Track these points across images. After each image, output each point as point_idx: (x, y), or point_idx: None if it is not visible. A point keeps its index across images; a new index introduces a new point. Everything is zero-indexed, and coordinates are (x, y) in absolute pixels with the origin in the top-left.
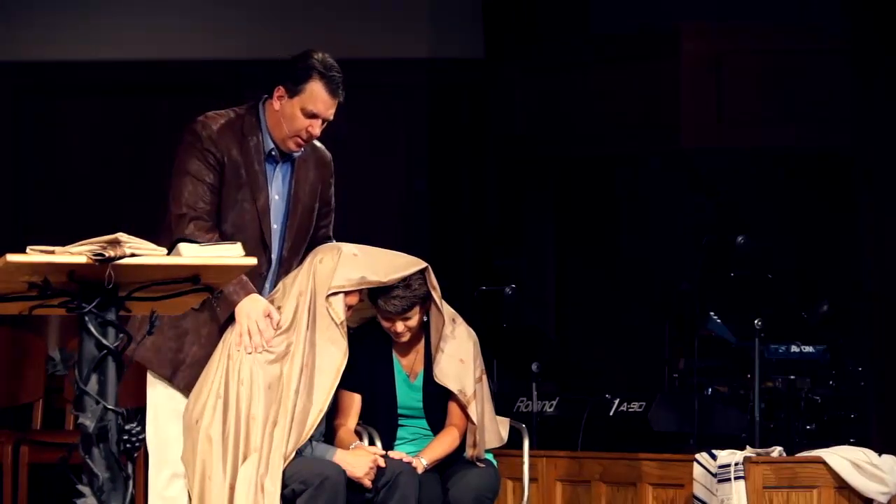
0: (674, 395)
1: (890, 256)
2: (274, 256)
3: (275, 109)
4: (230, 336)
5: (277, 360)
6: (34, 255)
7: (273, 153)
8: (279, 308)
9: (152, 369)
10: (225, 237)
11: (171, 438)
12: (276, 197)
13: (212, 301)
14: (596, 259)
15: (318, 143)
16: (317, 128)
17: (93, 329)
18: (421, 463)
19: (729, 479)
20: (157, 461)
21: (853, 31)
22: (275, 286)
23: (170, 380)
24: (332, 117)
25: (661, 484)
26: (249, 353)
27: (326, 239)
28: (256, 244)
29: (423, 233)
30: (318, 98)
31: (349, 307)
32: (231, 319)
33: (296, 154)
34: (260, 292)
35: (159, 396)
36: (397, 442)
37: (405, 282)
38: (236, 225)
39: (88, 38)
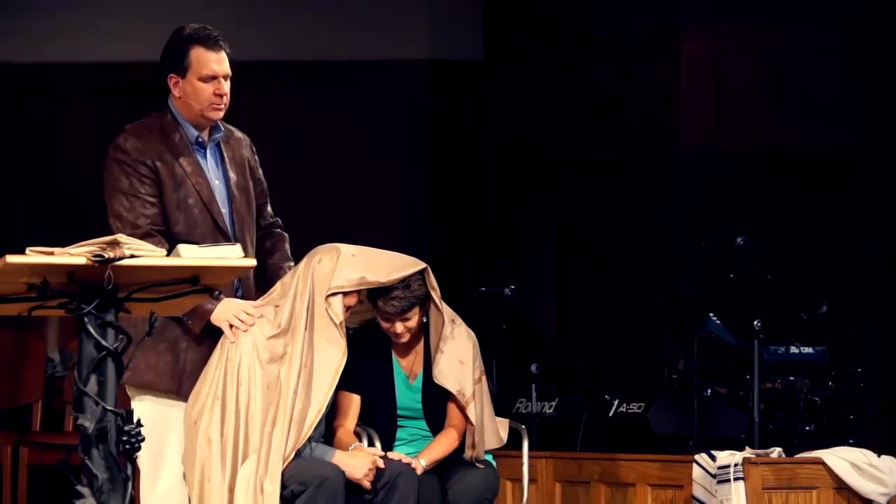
0: (673, 396)
1: (890, 256)
2: (232, 240)
3: (178, 97)
4: (226, 338)
5: (275, 360)
6: (33, 256)
7: (200, 139)
8: (277, 307)
9: (158, 390)
10: (179, 238)
11: (163, 450)
12: (217, 182)
13: (182, 317)
14: (595, 260)
15: (231, 126)
16: (223, 86)
17: (92, 330)
18: (420, 464)
19: (728, 480)
20: (150, 474)
21: (853, 31)
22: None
23: (176, 393)
24: (229, 70)
25: (660, 485)
26: (245, 331)
27: (272, 218)
28: (213, 233)
29: (423, 233)
30: (206, 60)
31: (347, 308)
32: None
33: (217, 136)
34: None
35: (147, 409)
36: (396, 443)
37: (404, 282)
38: (188, 223)
39: (88, 39)
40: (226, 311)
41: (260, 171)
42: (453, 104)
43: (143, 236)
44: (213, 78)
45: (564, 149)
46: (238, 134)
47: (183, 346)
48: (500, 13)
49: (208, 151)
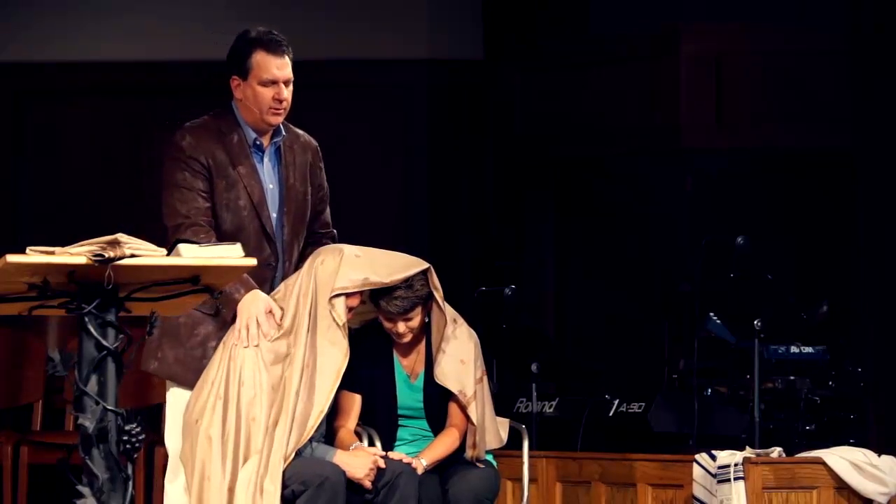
0: (673, 396)
1: (890, 256)
2: (277, 245)
3: (239, 100)
4: (230, 337)
5: (278, 361)
6: (34, 255)
7: (258, 142)
8: (281, 308)
9: (180, 383)
10: (226, 237)
11: None
12: (271, 186)
13: (217, 303)
14: (596, 259)
15: (299, 130)
16: (283, 91)
17: (92, 330)
18: (421, 464)
19: (728, 480)
20: (174, 465)
21: (853, 31)
22: (283, 277)
23: None
24: (290, 75)
25: (660, 484)
26: (245, 347)
27: (327, 227)
28: (259, 237)
29: (423, 233)
30: (268, 64)
31: (350, 308)
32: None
33: (278, 140)
34: (271, 284)
35: (180, 403)
36: (397, 443)
37: (407, 282)
38: (235, 224)
39: (88, 38)
40: (248, 307)
41: (322, 176)
42: (453, 104)
43: (191, 226)
44: (274, 83)
45: (564, 148)
46: (305, 138)
47: (212, 344)
48: (500, 13)
49: (266, 155)
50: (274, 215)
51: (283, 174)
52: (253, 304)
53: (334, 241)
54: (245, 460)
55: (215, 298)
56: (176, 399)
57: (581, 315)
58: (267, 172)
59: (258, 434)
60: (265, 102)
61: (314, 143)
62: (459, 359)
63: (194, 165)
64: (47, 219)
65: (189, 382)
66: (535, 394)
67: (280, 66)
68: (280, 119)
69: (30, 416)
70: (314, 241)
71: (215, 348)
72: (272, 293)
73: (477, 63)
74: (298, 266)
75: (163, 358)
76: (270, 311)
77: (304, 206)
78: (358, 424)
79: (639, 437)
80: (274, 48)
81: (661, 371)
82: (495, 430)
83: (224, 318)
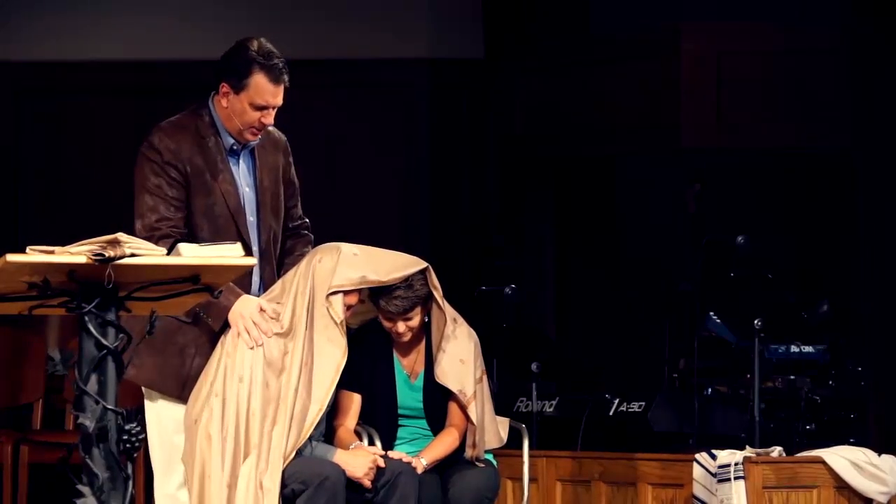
0: (674, 395)
1: (890, 256)
2: (255, 249)
3: (223, 106)
4: (227, 338)
5: (277, 359)
6: (34, 255)
7: (234, 147)
8: (278, 303)
9: (159, 391)
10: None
11: (179, 447)
12: (247, 189)
13: (201, 314)
14: (596, 259)
15: (269, 127)
16: (269, 117)
17: (92, 329)
18: (421, 463)
19: (729, 479)
20: (164, 470)
21: (853, 31)
22: (261, 280)
23: (178, 396)
24: (281, 103)
25: (660, 484)
26: (252, 349)
27: (300, 219)
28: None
29: (423, 233)
30: (264, 90)
31: (348, 307)
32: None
33: (252, 143)
34: (248, 289)
35: (161, 409)
36: (397, 442)
37: (407, 282)
38: (213, 231)
39: (88, 37)
40: (240, 311)
41: (293, 171)
42: (453, 103)
43: (162, 238)
44: (265, 108)
45: (564, 148)
46: (275, 135)
47: (191, 352)
48: (501, 13)
49: (241, 158)
50: (251, 219)
51: (258, 177)
52: (244, 308)
53: (310, 231)
54: (245, 457)
55: (215, 297)
56: (154, 406)
57: (581, 314)
58: (242, 176)
59: (255, 428)
60: (249, 122)
61: (283, 138)
62: (459, 358)
63: (171, 172)
64: (47, 218)
65: (167, 390)
66: (535, 393)
67: (275, 94)
68: (256, 139)
69: (30, 415)
70: (292, 235)
71: (194, 356)
72: (267, 292)
73: (477, 62)
74: (281, 265)
75: (141, 365)
76: (262, 310)
77: (277, 206)
78: (358, 424)
79: (639, 436)
80: (276, 76)
81: (662, 370)
82: (495, 430)
83: (212, 327)
